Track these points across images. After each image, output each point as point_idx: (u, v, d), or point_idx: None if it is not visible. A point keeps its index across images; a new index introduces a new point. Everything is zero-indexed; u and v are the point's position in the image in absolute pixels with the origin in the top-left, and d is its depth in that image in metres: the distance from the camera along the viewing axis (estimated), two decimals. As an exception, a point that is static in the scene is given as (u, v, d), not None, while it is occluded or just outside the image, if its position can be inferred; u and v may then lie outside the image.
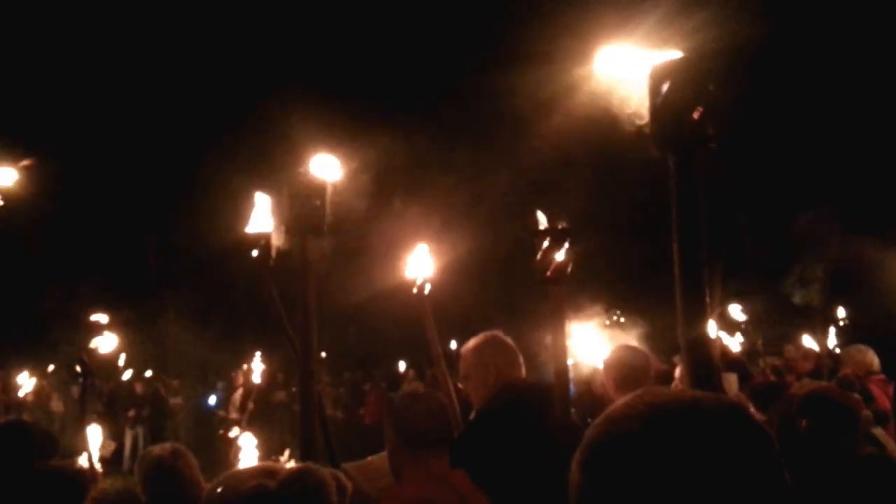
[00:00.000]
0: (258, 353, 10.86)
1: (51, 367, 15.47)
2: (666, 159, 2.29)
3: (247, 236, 3.66)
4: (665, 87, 2.29)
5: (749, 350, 11.65)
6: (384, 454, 3.82)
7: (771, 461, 1.11)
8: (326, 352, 20.85)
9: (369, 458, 4.14)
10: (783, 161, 18.15)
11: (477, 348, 4.05)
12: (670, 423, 1.11)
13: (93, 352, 5.40)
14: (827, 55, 16.24)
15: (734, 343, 11.80)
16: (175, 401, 16.39)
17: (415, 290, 4.40)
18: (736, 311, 13.05)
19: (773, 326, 13.40)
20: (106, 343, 5.54)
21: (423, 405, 3.28)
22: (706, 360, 2.39)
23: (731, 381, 7.01)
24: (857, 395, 4.78)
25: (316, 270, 3.68)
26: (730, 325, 12.97)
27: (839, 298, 13.45)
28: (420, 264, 4.43)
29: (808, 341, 11.54)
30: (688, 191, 2.27)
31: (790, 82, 16.51)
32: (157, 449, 3.82)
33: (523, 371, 4.06)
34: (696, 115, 2.25)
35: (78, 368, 5.16)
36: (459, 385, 4.33)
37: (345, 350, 18.91)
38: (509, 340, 4.06)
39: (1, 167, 4.48)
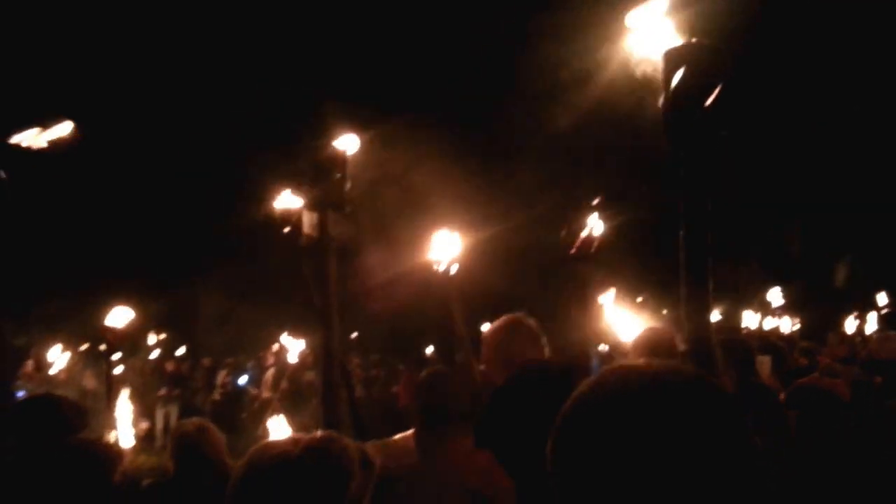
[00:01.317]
0: (287, 334, 10.97)
1: (84, 346, 15.74)
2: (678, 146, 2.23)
3: (277, 213, 3.67)
4: (679, 73, 2.24)
5: (790, 335, 11.57)
6: (408, 434, 3.84)
7: (735, 428, 1.11)
8: (358, 332, 21.02)
9: (393, 437, 4.17)
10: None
11: (498, 331, 4.03)
12: (632, 393, 1.14)
13: (113, 329, 5.46)
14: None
15: (781, 326, 11.73)
16: (206, 379, 16.62)
17: (440, 271, 4.39)
18: (775, 296, 12.93)
19: (814, 311, 13.26)
20: (124, 318, 5.60)
21: (447, 384, 3.32)
22: (707, 347, 2.35)
23: (765, 363, 6.90)
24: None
25: (343, 248, 3.69)
26: (768, 309, 12.86)
27: (882, 284, 13.29)
28: (446, 245, 4.42)
29: (851, 327, 11.45)
30: (696, 180, 2.22)
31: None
32: (185, 423, 3.96)
33: (546, 353, 4.03)
34: (709, 103, 2.19)
35: (102, 347, 5.24)
36: (482, 368, 4.31)
37: (375, 332, 19.00)
38: (532, 322, 4.03)
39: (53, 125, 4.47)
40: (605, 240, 3.30)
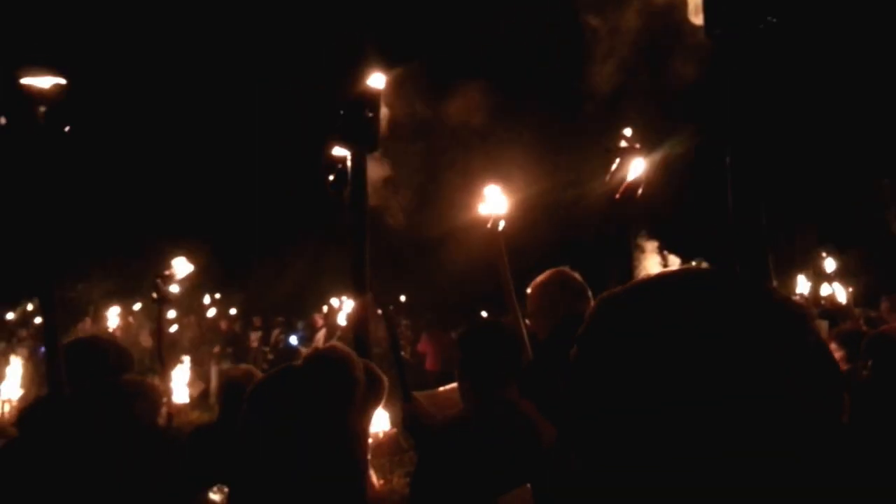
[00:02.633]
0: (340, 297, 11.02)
1: (138, 305, 16.10)
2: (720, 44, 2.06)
3: (323, 160, 3.64)
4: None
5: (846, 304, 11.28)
6: (453, 386, 3.86)
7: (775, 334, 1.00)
8: (406, 297, 21.12)
9: (439, 389, 4.20)
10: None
11: (543, 284, 4.00)
12: (660, 290, 1.07)
13: (168, 278, 5.55)
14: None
15: (836, 293, 11.45)
16: (257, 338, 16.93)
17: (488, 228, 4.36)
18: (830, 263, 12.62)
19: (870, 277, 12.87)
20: (181, 269, 5.68)
21: (493, 335, 3.32)
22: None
23: (822, 327, 6.78)
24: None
25: (386, 205, 3.66)
26: (823, 276, 12.56)
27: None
28: (494, 202, 4.38)
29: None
30: (745, 75, 2.05)
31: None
32: (233, 368, 4.04)
33: (591, 306, 3.98)
34: None
35: (154, 295, 5.34)
36: (527, 322, 4.28)
37: (425, 294, 19.05)
38: (577, 276, 3.98)
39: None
40: (651, 183, 3.19)
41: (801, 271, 11.90)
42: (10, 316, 15.70)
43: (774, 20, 2.13)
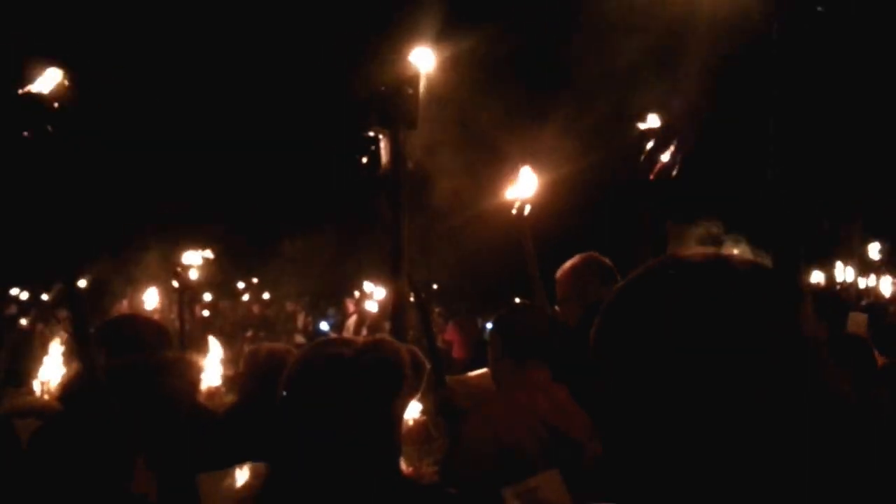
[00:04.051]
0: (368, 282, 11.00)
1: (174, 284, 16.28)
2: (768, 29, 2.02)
3: (354, 141, 3.61)
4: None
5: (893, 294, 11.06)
6: (483, 371, 3.87)
7: (781, 314, 1.06)
8: (438, 286, 21.15)
9: (470, 374, 4.22)
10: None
11: (573, 269, 3.98)
12: (682, 272, 1.10)
13: (188, 267, 5.62)
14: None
15: (880, 285, 11.23)
16: (289, 324, 17.11)
17: (514, 212, 4.34)
18: (874, 251, 12.34)
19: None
20: (199, 259, 5.74)
21: (527, 317, 3.35)
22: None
23: (860, 321, 6.64)
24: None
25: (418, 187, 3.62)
26: (869, 266, 12.29)
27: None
28: (520, 186, 4.36)
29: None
30: (792, 66, 2.01)
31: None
32: (258, 347, 4.09)
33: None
34: None
35: (175, 283, 5.41)
36: (556, 308, 4.26)
37: (457, 282, 19.06)
38: (607, 260, 3.94)
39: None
40: (684, 165, 3.13)
41: (844, 261, 11.69)
42: (44, 297, 16.02)
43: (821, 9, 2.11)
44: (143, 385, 2.60)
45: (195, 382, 2.87)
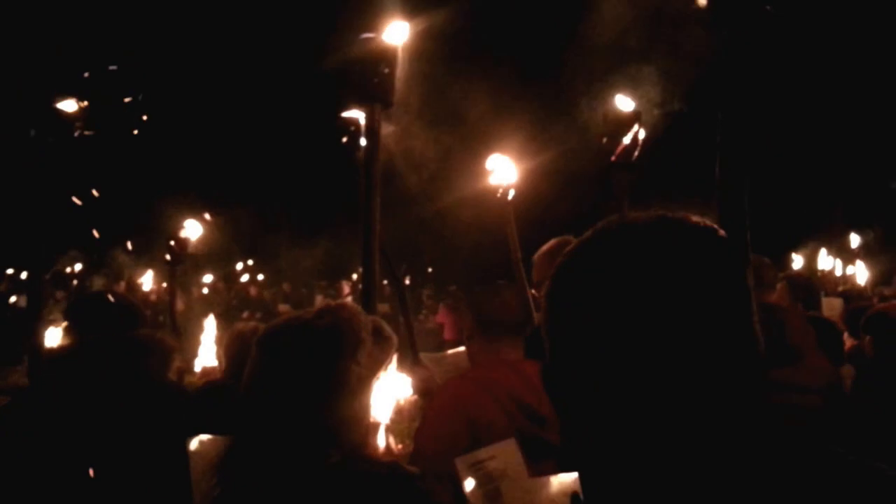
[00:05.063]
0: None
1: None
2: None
3: (336, 124, 3.62)
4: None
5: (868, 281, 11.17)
6: (460, 350, 3.96)
7: (726, 272, 1.05)
8: (434, 268, 21.22)
9: (446, 352, 4.31)
10: None
11: (548, 252, 4.06)
12: (626, 232, 1.09)
13: (180, 239, 5.61)
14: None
15: (857, 272, 11.33)
16: (284, 307, 17.19)
17: (497, 197, 4.41)
18: (854, 240, 12.46)
19: (891, 256, 12.69)
20: (193, 231, 5.74)
21: (500, 296, 3.42)
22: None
23: (835, 304, 6.77)
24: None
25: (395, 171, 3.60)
26: (847, 254, 12.42)
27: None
28: (503, 171, 4.42)
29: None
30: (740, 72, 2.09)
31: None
32: (239, 325, 4.14)
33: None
34: None
35: (168, 256, 5.43)
36: (533, 292, 4.36)
37: (451, 265, 19.13)
38: None
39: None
40: (647, 145, 3.15)
41: (826, 248, 11.77)
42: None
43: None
44: (112, 361, 2.62)
45: (166, 360, 2.90)
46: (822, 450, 1.02)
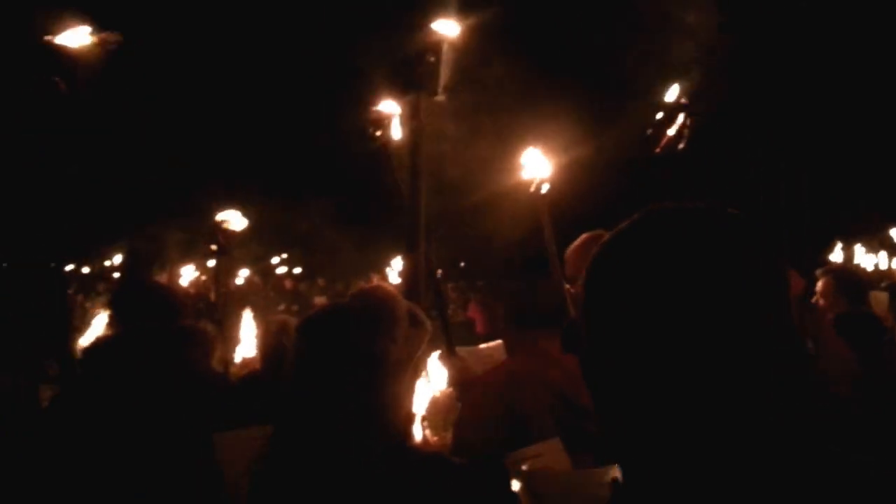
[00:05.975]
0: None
1: (212, 262, 16.49)
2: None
3: (371, 118, 3.63)
4: None
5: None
6: (494, 343, 3.98)
7: (756, 265, 1.05)
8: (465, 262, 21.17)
9: (482, 345, 4.32)
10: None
11: (582, 247, 4.04)
12: (655, 224, 1.10)
13: (226, 230, 5.63)
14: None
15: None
16: (321, 299, 17.32)
17: (531, 191, 4.39)
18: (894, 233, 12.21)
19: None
20: (237, 221, 5.77)
21: (537, 287, 3.42)
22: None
23: (881, 299, 6.63)
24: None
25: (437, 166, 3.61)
26: (889, 249, 12.17)
27: None
28: (537, 165, 4.40)
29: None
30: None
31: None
32: (269, 320, 4.19)
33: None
34: None
35: (213, 247, 5.46)
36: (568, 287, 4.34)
37: (482, 260, 19.07)
38: None
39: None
40: (692, 136, 3.10)
41: (865, 243, 11.55)
42: (85, 270, 16.36)
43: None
44: (154, 351, 2.67)
45: (208, 350, 2.94)
46: (823, 450, 1.02)
